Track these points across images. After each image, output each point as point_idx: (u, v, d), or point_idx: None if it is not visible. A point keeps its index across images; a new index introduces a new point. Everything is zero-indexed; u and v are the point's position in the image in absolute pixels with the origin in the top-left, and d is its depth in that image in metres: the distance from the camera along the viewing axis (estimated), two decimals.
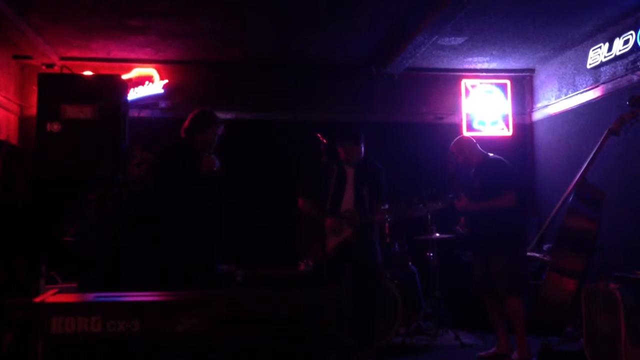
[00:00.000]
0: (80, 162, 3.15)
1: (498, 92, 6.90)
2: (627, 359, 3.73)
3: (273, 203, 6.09)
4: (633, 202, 5.07)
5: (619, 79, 5.38)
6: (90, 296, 2.82)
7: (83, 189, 3.74)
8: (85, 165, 3.16)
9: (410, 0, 4.93)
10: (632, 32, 5.14)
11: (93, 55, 6.24)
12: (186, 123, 4.07)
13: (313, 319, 2.65)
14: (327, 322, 2.66)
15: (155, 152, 4.99)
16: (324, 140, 4.25)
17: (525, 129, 6.98)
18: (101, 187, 5.17)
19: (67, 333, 2.49)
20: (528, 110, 7.00)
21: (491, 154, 4.79)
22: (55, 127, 3.09)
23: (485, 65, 6.68)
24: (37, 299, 2.73)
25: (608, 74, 5.55)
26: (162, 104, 6.46)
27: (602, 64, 5.58)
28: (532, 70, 6.88)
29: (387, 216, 4.37)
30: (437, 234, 5.47)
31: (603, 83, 5.61)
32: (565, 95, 6.24)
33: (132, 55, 6.30)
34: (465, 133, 6.51)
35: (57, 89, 3.18)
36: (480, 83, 6.88)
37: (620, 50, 5.29)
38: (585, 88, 5.89)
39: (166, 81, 6.46)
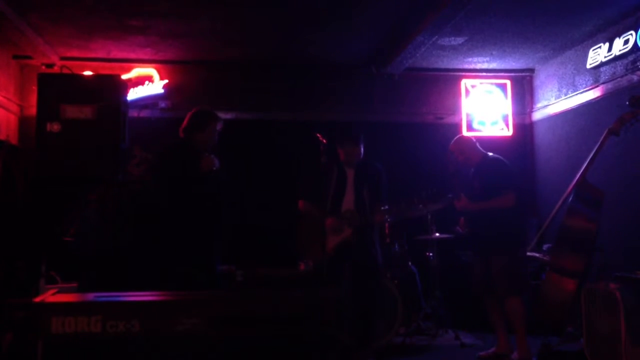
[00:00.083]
0: (80, 162, 3.15)
1: (498, 92, 6.90)
2: (627, 359, 3.73)
3: (273, 203, 6.09)
4: (633, 202, 5.07)
5: (618, 79, 5.38)
6: (90, 296, 2.82)
7: (83, 189, 3.74)
8: (85, 165, 3.16)
9: (410, 0, 4.93)
10: (632, 32, 5.14)
11: (93, 55, 6.24)
12: (185, 123, 4.06)
13: (313, 319, 2.64)
14: (327, 322, 2.66)
15: (155, 152, 4.98)
16: (324, 141, 4.25)
17: (525, 129, 6.98)
18: (101, 187, 5.17)
19: (67, 333, 2.48)
20: (528, 110, 7.00)
21: (491, 154, 4.79)
22: (55, 127, 3.09)
23: (485, 65, 6.68)
24: (37, 299, 2.73)
25: (608, 74, 5.55)
26: (162, 104, 6.46)
27: (602, 64, 5.58)
28: (532, 70, 6.88)
29: (387, 216, 4.37)
30: (437, 234, 5.47)
31: (603, 83, 5.61)
32: (565, 95, 6.24)
33: (132, 55, 6.30)
34: (465, 133, 6.51)
35: (57, 89, 3.17)
36: (480, 83, 6.88)
37: (620, 50, 5.29)
38: (585, 88, 5.89)
39: (166, 81, 6.46)
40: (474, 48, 6.06)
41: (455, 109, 6.88)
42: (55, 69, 6.08)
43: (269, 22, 5.44)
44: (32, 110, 4.98)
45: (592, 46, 5.73)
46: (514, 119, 6.91)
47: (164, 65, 6.49)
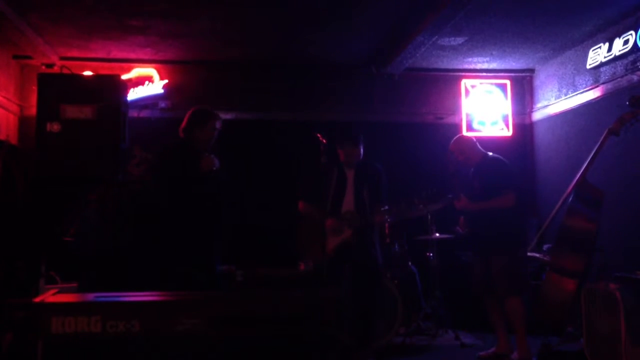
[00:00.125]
0: (80, 162, 3.14)
1: (498, 92, 6.90)
2: (627, 359, 3.73)
3: (273, 203, 6.09)
4: (633, 202, 5.07)
5: (618, 79, 5.38)
6: (90, 296, 2.82)
7: (83, 189, 3.74)
8: (85, 165, 3.15)
9: (410, 1, 4.93)
10: (632, 32, 5.14)
11: (93, 55, 6.24)
12: (184, 122, 4.06)
13: (313, 319, 2.64)
14: (327, 322, 2.66)
15: (155, 152, 4.98)
16: (324, 141, 4.26)
17: (525, 129, 6.98)
18: (101, 187, 5.17)
19: (67, 333, 2.48)
20: (528, 110, 7.00)
21: (491, 153, 4.78)
22: (55, 127, 3.09)
23: (485, 66, 6.68)
24: (37, 299, 2.73)
25: (608, 74, 5.55)
26: (162, 104, 6.46)
27: (601, 64, 5.58)
28: (532, 71, 6.88)
29: (387, 217, 4.37)
30: (437, 234, 5.47)
31: (603, 83, 5.61)
32: (565, 95, 6.24)
33: (132, 55, 6.30)
34: (465, 133, 6.50)
35: (57, 89, 3.17)
36: (480, 83, 6.88)
37: (620, 51, 5.29)
38: (585, 88, 5.89)
39: (166, 81, 6.46)
40: (474, 48, 6.06)
41: (455, 109, 6.88)
42: (55, 69, 6.08)
43: (269, 22, 5.44)
44: (32, 110, 4.98)
45: (592, 46, 5.73)
46: (514, 119, 6.91)
47: (164, 65, 6.49)
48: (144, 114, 6.39)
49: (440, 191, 4.43)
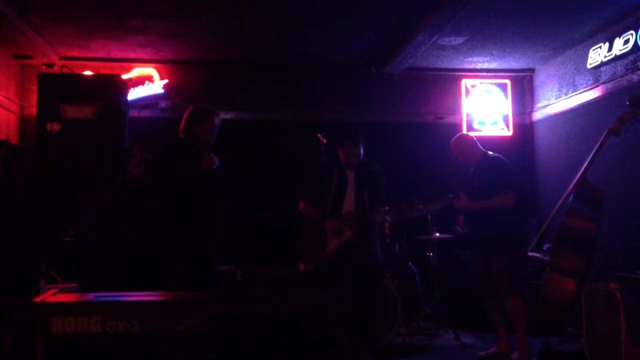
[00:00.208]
0: (80, 162, 3.14)
1: (498, 92, 6.90)
2: (627, 359, 3.73)
3: (273, 203, 6.09)
4: (633, 202, 5.07)
5: (619, 79, 5.38)
6: (90, 296, 2.82)
7: (83, 189, 3.74)
8: (85, 165, 3.15)
9: (410, 1, 4.93)
10: (632, 31, 5.14)
11: (93, 55, 6.25)
12: (182, 122, 4.05)
13: (313, 319, 2.64)
14: (327, 322, 2.66)
15: (155, 152, 4.98)
16: (324, 140, 4.25)
17: (525, 129, 6.98)
18: (101, 187, 5.17)
19: (67, 333, 2.48)
20: (528, 110, 7.00)
21: (491, 153, 4.78)
22: (55, 127, 3.08)
23: (485, 65, 6.68)
24: (37, 299, 2.73)
25: (608, 73, 5.55)
26: (162, 104, 6.46)
27: (602, 64, 5.58)
28: (532, 70, 6.88)
29: (387, 217, 4.37)
30: (437, 234, 5.47)
31: (603, 83, 5.61)
32: (565, 95, 6.24)
33: (132, 55, 6.30)
34: (466, 133, 6.50)
35: (57, 88, 3.17)
36: (481, 83, 6.88)
37: (620, 50, 5.29)
38: (585, 88, 5.89)
39: (166, 81, 6.46)
40: (474, 48, 6.06)
41: (456, 108, 6.88)
42: (56, 69, 6.09)
43: (269, 22, 5.44)
44: (32, 110, 4.98)
45: (592, 46, 5.73)
46: (514, 119, 6.91)
47: (164, 65, 6.49)
48: (144, 113, 6.39)
49: (441, 191, 4.43)
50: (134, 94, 6.27)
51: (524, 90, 7.02)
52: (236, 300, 2.74)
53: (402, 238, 5.66)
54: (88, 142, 3.13)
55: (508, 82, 6.91)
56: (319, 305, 2.67)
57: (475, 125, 6.82)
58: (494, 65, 6.68)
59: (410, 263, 5.69)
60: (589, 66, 5.78)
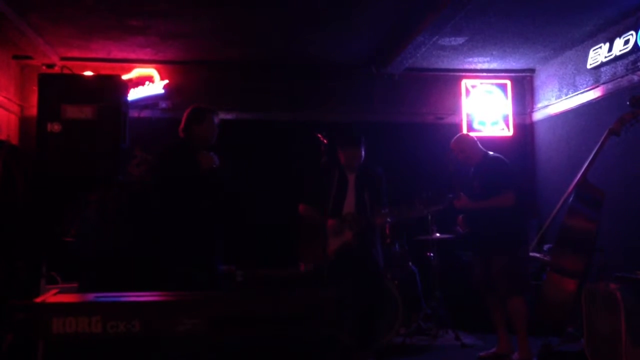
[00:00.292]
0: (80, 162, 3.14)
1: (498, 92, 6.90)
2: (628, 359, 3.73)
3: (273, 203, 6.08)
4: (633, 202, 5.07)
5: (619, 79, 5.38)
6: (91, 296, 2.82)
7: (83, 189, 3.74)
8: (85, 165, 3.16)
9: (410, 1, 4.93)
10: (633, 32, 5.14)
11: (93, 55, 6.25)
12: (182, 122, 4.05)
13: (313, 319, 2.64)
14: (327, 322, 2.66)
15: (155, 153, 4.98)
16: (325, 141, 4.24)
17: (525, 129, 6.98)
18: (101, 187, 5.16)
19: (67, 333, 2.48)
20: (528, 110, 7.00)
21: (491, 153, 4.78)
22: (55, 127, 3.09)
23: (485, 66, 6.68)
24: (38, 299, 2.73)
25: (608, 74, 5.55)
26: (163, 104, 6.46)
27: (602, 64, 5.58)
28: (532, 71, 6.88)
29: (387, 218, 4.37)
30: (438, 234, 5.47)
31: (603, 83, 5.61)
32: (566, 95, 6.24)
33: (133, 56, 6.30)
34: (466, 133, 6.50)
35: (58, 89, 3.17)
36: (481, 83, 6.88)
37: (620, 51, 5.29)
38: (585, 88, 5.89)
39: (166, 81, 6.46)
40: (474, 48, 6.06)
41: (456, 109, 6.88)
42: (56, 69, 6.09)
43: (269, 22, 5.44)
44: (33, 111, 4.99)
45: (592, 46, 5.73)
46: (514, 119, 6.91)
47: (165, 65, 6.49)
48: (145, 114, 6.39)
49: (441, 192, 4.42)
50: (134, 95, 6.27)
51: (524, 90, 7.02)
52: (236, 300, 2.74)
53: (402, 238, 5.66)
54: (88, 143, 3.14)
55: (508, 82, 6.91)
56: (319, 305, 2.68)
57: (475, 125, 6.82)
58: (494, 65, 6.68)
59: (410, 263, 5.69)
60: (589, 66, 5.78)
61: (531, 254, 4.87)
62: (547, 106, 6.64)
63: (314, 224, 4.20)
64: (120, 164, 3.26)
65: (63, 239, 4.56)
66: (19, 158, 3.68)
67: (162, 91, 6.43)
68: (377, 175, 4.37)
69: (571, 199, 4.48)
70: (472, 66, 6.69)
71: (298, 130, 6.21)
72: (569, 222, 4.38)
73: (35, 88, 3.23)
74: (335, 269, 4.05)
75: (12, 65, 6.15)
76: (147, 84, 6.40)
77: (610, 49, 5.44)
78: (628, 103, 4.47)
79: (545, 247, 5.39)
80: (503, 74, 6.89)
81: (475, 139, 4.91)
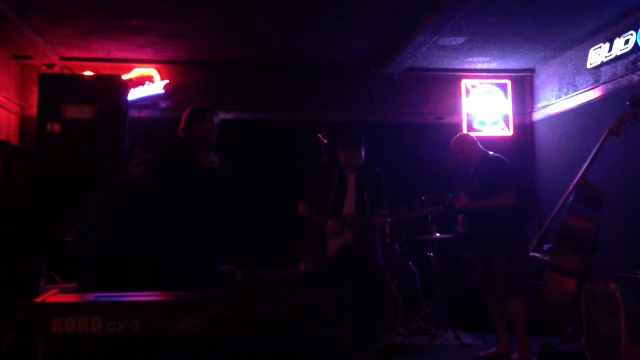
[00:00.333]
0: (80, 163, 3.14)
1: (498, 92, 6.90)
2: (628, 359, 3.73)
3: (273, 203, 6.08)
4: (633, 202, 5.07)
5: (619, 79, 5.37)
6: (91, 296, 2.82)
7: (83, 189, 3.74)
8: (85, 165, 3.16)
9: (410, 1, 4.93)
10: (633, 32, 5.14)
11: (93, 55, 6.25)
12: (182, 122, 4.05)
13: (313, 319, 2.64)
14: (327, 322, 2.66)
15: (155, 153, 4.99)
16: (325, 141, 4.24)
17: (525, 129, 6.98)
18: (101, 187, 5.16)
19: (67, 333, 2.48)
20: (528, 110, 7.00)
21: (491, 153, 4.78)
22: (55, 127, 3.09)
23: (485, 66, 6.68)
24: (38, 300, 2.73)
25: (608, 74, 5.55)
26: (163, 105, 6.46)
27: (602, 64, 5.58)
28: (532, 71, 6.88)
29: (387, 219, 4.37)
30: (438, 234, 5.47)
31: (603, 83, 5.61)
32: (566, 95, 6.24)
33: (133, 56, 6.30)
34: (466, 133, 6.50)
35: (58, 89, 3.17)
36: (481, 83, 6.88)
37: (620, 51, 5.29)
38: (585, 88, 5.89)
39: (167, 81, 6.46)
40: (475, 48, 6.06)
41: (456, 109, 6.88)
42: (56, 70, 6.09)
43: (269, 22, 5.45)
44: (33, 111, 4.99)
45: (592, 46, 5.73)
46: (514, 119, 6.91)
47: (165, 65, 6.49)
48: (145, 114, 6.39)
49: (442, 194, 4.42)
50: (134, 95, 6.27)
51: (524, 90, 7.02)
52: (236, 300, 2.74)
53: (402, 238, 5.66)
54: (88, 143, 3.14)
55: (508, 82, 6.91)
56: (319, 305, 2.68)
57: (475, 125, 6.82)
58: (494, 65, 6.68)
59: (410, 263, 5.69)
60: (589, 66, 5.78)
61: (531, 254, 4.87)
62: (547, 106, 6.64)
63: (314, 224, 4.20)
64: (120, 164, 3.26)
65: (63, 239, 4.56)
66: (19, 158, 3.69)
67: (162, 91, 6.43)
68: (377, 175, 4.37)
69: (571, 199, 4.49)
70: (472, 66, 6.69)
71: (298, 130, 6.21)
72: (569, 222, 4.38)
73: (35, 88, 3.23)
74: (335, 269, 4.05)
75: (12, 65, 6.15)
76: (147, 84, 6.40)
77: (610, 49, 5.44)
78: (628, 103, 4.47)
79: (545, 247, 5.39)
80: (503, 74, 6.89)
81: (476, 139, 4.91)
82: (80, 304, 2.67)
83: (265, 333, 2.61)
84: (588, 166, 4.50)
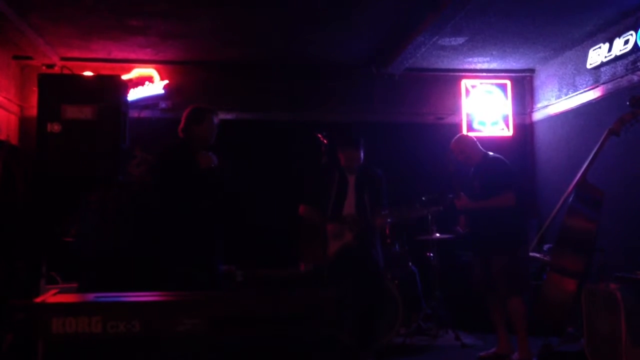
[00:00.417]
0: (80, 163, 3.15)
1: (498, 92, 6.90)
2: (628, 359, 3.73)
3: (273, 203, 6.09)
4: (633, 202, 5.07)
5: (619, 79, 5.38)
6: (91, 296, 2.82)
7: (83, 190, 3.74)
8: (85, 165, 3.16)
9: (410, 1, 4.93)
10: (632, 32, 5.14)
11: (93, 55, 6.25)
12: (182, 122, 4.05)
13: (313, 319, 2.64)
14: (327, 322, 2.66)
15: (155, 153, 4.99)
16: (325, 141, 4.24)
17: (525, 129, 6.98)
18: (101, 187, 5.17)
19: (67, 333, 2.48)
20: (528, 110, 7.00)
21: (491, 153, 4.78)
22: (55, 127, 3.09)
23: (485, 66, 6.68)
24: (38, 300, 2.73)
25: (608, 74, 5.55)
26: (163, 105, 6.46)
27: (602, 64, 5.58)
28: (532, 71, 6.88)
29: (388, 219, 4.37)
30: (438, 234, 5.47)
31: (603, 83, 5.61)
32: (566, 95, 6.24)
33: (133, 56, 6.30)
34: (466, 133, 6.50)
35: (58, 89, 3.18)
36: (481, 83, 6.88)
37: (620, 51, 5.29)
38: (585, 88, 5.89)
39: (166, 81, 6.46)
40: (474, 48, 6.06)
41: (456, 109, 6.89)
42: (56, 70, 6.09)
43: (269, 22, 5.45)
44: (33, 111, 4.98)
45: (592, 46, 5.73)
46: (514, 119, 6.91)
47: (164, 65, 6.49)
48: (145, 114, 6.39)
49: (442, 194, 4.42)
50: (134, 95, 6.27)
51: (524, 90, 7.02)
52: (236, 300, 2.74)
53: (402, 238, 5.66)
54: (88, 143, 3.14)
55: (508, 82, 6.91)
56: (319, 305, 2.68)
57: (475, 125, 6.82)
58: (494, 65, 6.68)
59: (410, 263, 5.69)
60: (589, 66, 5.78)
61: (531, 254, 4.87)
62: (547, 106, 6.64)
63: (314, 224, 4.20)
64: (120, 164, 3.26)
65: (63, 239, 4.56)
66: (19, 158, 3.69)
67: (162, 91, 6.43)
68: (377, 176, 4.37)
69: (571, 199, 4.49)
70: (472, 66, 6.69)
71: (298, 130, 6.21)
72: (569, 222, 4.38)
73: (35, 88, 3.24)
74: (335, 270, 4.05)
75: (12, 65, 6.15)
76: (147, 84, 6.40)
77: (610, 49, 5.44)
78: (628, 103, 4.47)
79: (545, 247, 5.39)
80: (503, 74, 6.89)
81: (475, 139, 4.91)
82: (80, 304, 2.67)
83: (265, 333, 2.61)
84: (588, 166, 4.50)
